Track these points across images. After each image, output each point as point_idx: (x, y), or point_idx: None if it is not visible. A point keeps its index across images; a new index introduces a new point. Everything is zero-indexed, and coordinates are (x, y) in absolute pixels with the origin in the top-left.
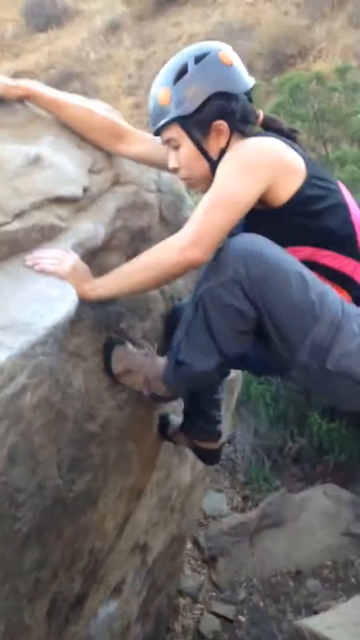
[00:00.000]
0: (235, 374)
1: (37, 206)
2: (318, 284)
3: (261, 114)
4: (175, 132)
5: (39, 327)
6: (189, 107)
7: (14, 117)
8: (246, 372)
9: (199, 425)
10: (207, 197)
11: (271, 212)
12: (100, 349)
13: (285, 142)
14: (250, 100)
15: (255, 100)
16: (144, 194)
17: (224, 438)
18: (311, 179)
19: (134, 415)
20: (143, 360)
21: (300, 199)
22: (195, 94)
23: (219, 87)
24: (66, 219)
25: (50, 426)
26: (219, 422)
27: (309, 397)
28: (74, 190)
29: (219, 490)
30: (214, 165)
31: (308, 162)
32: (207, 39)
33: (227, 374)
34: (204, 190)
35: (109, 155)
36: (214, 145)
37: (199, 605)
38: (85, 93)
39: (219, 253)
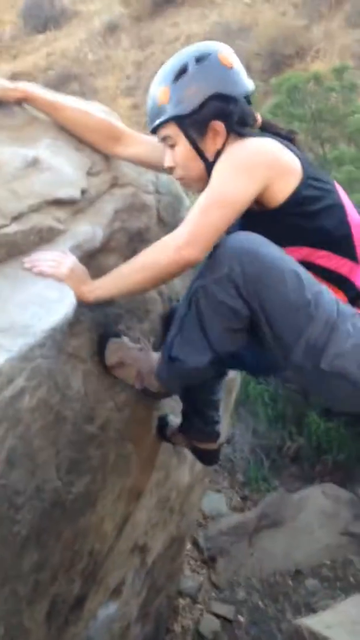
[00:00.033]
0: (233, 374)
1: (35, 209)
2: (314, 284)
3: (259, 117)
4: (172, 131)
5: (37, 329)
6: (187, 107)
7: (12, 119)
8: (244, 372)
9: (197, 425)
10: (203, 197)
11: (267, 213)
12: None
13: (283, 143)
14: (249, 103)
15: (253, 101)
16: (142, 196)
17: (222, 438)
18: (307, 180)
19: (133, 417)
20: (137, 355)
21: (296, 200)
22: (194, 94)
23: (218, 88)
24: (64, 221)
25: (49, 428)
26: (217, 422)
27: (307, 396)
28: (72, 192)
29: (218, 491)
30: (209, 165)
31: (304, 163)
32: (205, 39)
33: (225, 374)
34: (199, 191)
35: (107, 158)
36: (210, 146)
37: (199, 606)
38: (83, 94)
39: (215, 250)
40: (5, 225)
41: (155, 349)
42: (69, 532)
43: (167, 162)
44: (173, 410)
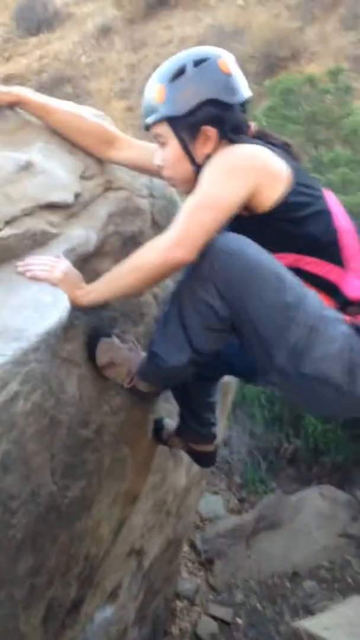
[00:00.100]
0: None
1: (29, 212)
2: (297, 287)
3: (253, 126)
4: (164, 131)
5: (31, 333)
6: (181, 109)
7: (5, 123)
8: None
9: (193, 428)
10: (191, 199)
11: (255, 219)
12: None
13: (273, 150)
14: (244, 111)
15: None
16: (136, 200)
17: (218, 440)
18: (295, 186)
19: (128, 420)
20: (127, 354)
21: (284, 206)
22: (189, 97)
23: (213, 94)
24: (58, 225)
25: (44, 433)
26: (213, 424)
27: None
28: (66, 196)
29: (215, 493)
30: (198, 169)
31: (293, 170)
32: (199, 42)
33: (219, 376)
34: (186, 192)
35: (101, 161)
36: (200, 150)
37: (196, 608)
38: (77, 97)
39: (204, 250)
40: None
41: None
42: (64, 536)
43: (157, 161)
44: (169, 413)
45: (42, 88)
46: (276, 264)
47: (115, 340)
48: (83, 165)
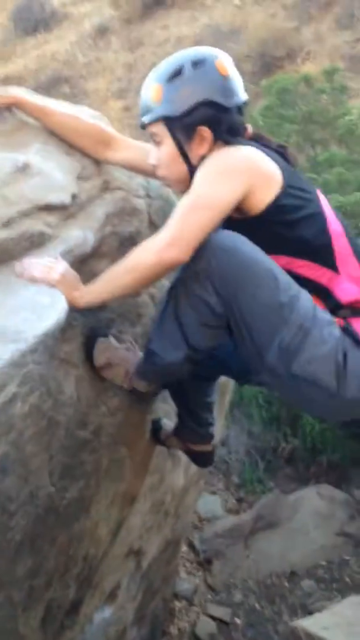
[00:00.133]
0: None
1: (26, 214)
2: (291, 287)
3: (249, 129)
4: (160, 130)
5: (29, 335)
6: (177, 109)
7: (2, 124)
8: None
9: (191, 427)
10: (185, 199)
11: (248, 221)
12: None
13: (268, 153)
14: (241, 113)
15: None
16: (133, 200)
17: (216, 440)
18: (288, 189)
19: (126, 421)
20: (125, 355)
21: (276, 208)
22: (185, 97)
23: (210, 95)
24: (55, 226)
25: (42, 434)
26: (211, 424)
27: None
28: (63, 197)
29: (213, 493)
30: (192, 169)
31: (286, 173)
32: (195, 41)
33: (217, 376)
34: (180, 192)
35: (98, 162)
36: (195, 151)
37: (195, 608)
38: (74, 97)
39: (200, 247)
40: None
41: None
42: (63, 538)
43: (151, 160)
44: (167, 413)
45: (39, 88)
46: (271, 262)
47: (113, 340)
48: (80, 166)
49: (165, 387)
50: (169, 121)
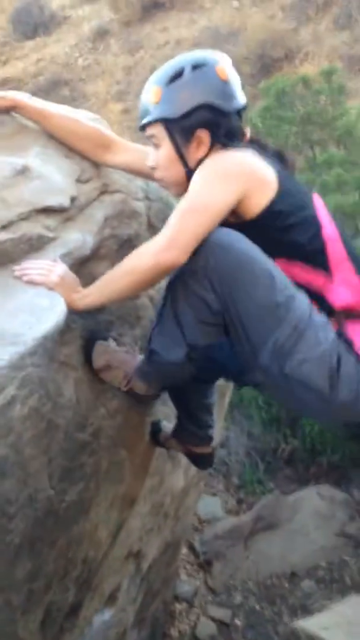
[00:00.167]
0: None
1: (25, 217)
2: (287, 287)
3: (248, 133)
4: (158, 132)
5: (28, 337)
6: (176, 111)
7: (1, 128)
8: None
9: (191, 429)
10: (182, 203)
11: (243, 225)
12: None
13: (265, 157)
14: (240, 118)
15: None
16: (132, 203)
17: (216, 442)
18: (283, 194)
19: (126, 423)
20: (124, 357)
21: (271, 213)
22: (184, 100)
23: (209, 99)
24: (54, 229)
25: (41, 437)
26: (210, 426)
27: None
28: (62, 200)
29: (214, 494)
30: (190, 172)
31: (282, 177)
32: (194, 44)
33: (215, 378)
34: (177, 194)
35: (97, 165)
36: (193, 154)
37: (195, 610)
38: (73, 99)
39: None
40: None
41: None
42: (62, 540)
43: (150, 161)
44: (166, 415)
45: (39, 91)
46: (268, 261)
47: (112, 343)
48: (79, 169)
49: (164, 390)
50: (168, 123)
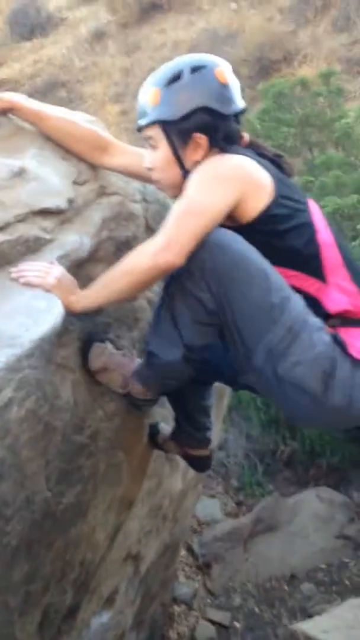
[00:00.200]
0: None
1: (22, 219)
2: (283, 288)
3: (246, 137)
4: (156, 133)
5: (25, 340)
6: (174, 114)
7: None
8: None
9: (189, 432)
10: (178, 204)
11: (239, 229)
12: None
13: (261, 162)
14: (238, 121)
15: None
16: (130, 205)
17: (214, 444)
18: (279, 198)
19: (124, 425)
20: (121, 360)
21: (266, 217)
22: (182, 102)
23: (207, 102)
24: (51, 231)
25: (38, 439)
26: (208, 429)
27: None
28: (59, 202)
29: (212, 496)
30: (186, 174)
31: (278, 182)
32: (192, 46)
33: (211, 381)
34: (173, 196)
35: (94, 167)
36: (190, 156)
37: (194, 613)
38: (71, 101)
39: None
40: None
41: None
42: (60, 543)
43: (146, 163)
44: (164, 418)
45: (36, 92)
46: (264, 262)
47: (109, 345)
48: (76, 171)
49: (162, 395)
50: (166, 125)
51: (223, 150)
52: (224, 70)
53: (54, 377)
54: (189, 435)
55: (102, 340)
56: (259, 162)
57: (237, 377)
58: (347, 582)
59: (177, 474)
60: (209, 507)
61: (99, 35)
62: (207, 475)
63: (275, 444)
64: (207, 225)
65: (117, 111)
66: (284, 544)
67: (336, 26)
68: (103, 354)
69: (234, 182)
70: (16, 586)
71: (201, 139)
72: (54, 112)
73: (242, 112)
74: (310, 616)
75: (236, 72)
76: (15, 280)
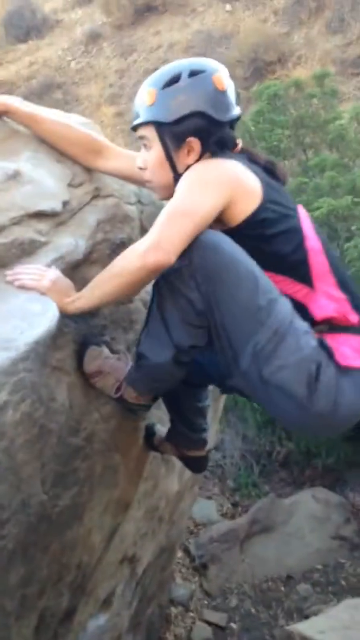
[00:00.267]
0: None
1: (17, 221)
2: (271, 290)
3: (240, 144)
4: (150, 134)
5: (20, 343)
6: (169, 116)
7: None
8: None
9: (184, 433)
10: (168, 206)
11: (227, 233)
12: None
13: (252, 167)
14: (232, 128)
15: None
16: (125, 207)
17: (210, 445)
18: (267, 203)
19: (119, 428)
20: (116, 364)
21: (254, 221)
22: (178, 105)
23: (203, 107)
24: (46, 233)
25: (34, 442)
26: (204, 430)
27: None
28: (54, 204)
29: (209, 497)
30: (178, 177)
31: (267, 188)
32: (187, 47)
33: (205, 383)
34: (163, 198)
35: (89, 169)
36: (182, 159)
37: (191, 614)
38: (66, 103)
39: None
40: None
41: None
42: (56, 546)
43: (139, 162)
44: (160, 419)
45: (31, 94)
46: (253, 265)
47: (105, 349)
48: (71, 173)
49: (155, 400)
50: (160, 126)
51: (215, 155)
52: (223, 76)
53: (49, 380)
54: (185, 437)
55: (98, 344)
56: (249, 168)
57: (225, 380)
58: (343, 583)
59: (173, 476)
60: (205, 508)
61: (94, 37)
62: (203, 476)
63: (271, 444)
64: (197, 226)
65: (113, 113)
66: (280, 545)
67: (330, 28)
68: (98, 357)
69: (223, 185)
70: (12, 590)
71: (195, 144)
72: (48, 115)
73: (237, 119)
74: (306, 617)
75: (231, 73)
76: (11, 283)
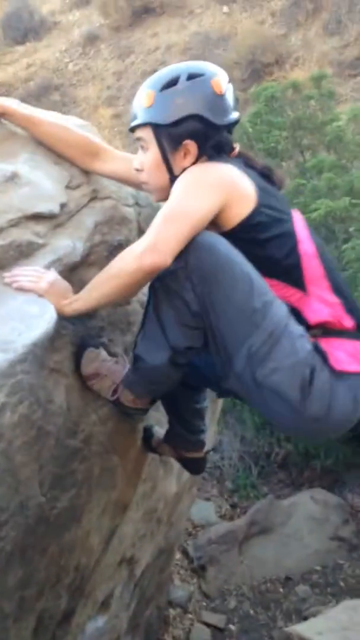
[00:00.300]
0: None
1: (14, 223)
2: (266, 293)
3: (237, 148)
4: (147, 135)
5: (17, 345)
6: (166, 118)
7: None
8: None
9: (183, 435)
10: (164, 208)
11: (222, 236)
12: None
13: (247, 172)
14: (230, 132)
15: None
16: (122, 209)
17: (208, 446)
18: (261, 207)
19: (117, 429)
20: (113, 367)
21: (248, 225)
22: (176, 108)
23: (201, 110)
24: (44, 235)
25: (32, 444)
26: (202, 431)
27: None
28: (51, 206)
29: (207, 499)
30: (174, 179)
31: (261, 192)
32: (185, 49)
33: (202, 385)
34: (159, 199)
35: (87, 171)
36: (179, 162)
37: (189, 616)
38: (64, 104)
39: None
40: None
41: None
42: (54, 548)
43: (135, 164)
44: (158, 421)
45: (29, 96)
46: (249, 266)
47: (102, 352)
48: (69, 175)
49: (152, 403)
50: (157, 128)
51: (211, 158)
52: (221, 80)
53: (47, 382)
54: (183, 438)
55: (96, 346)
56: (245, 172)
57: (221, 383)
58: (341, 584)
59: (171, 477)
60: (204, 509)
61: (92, 39)
62: (202, 478)
63: (270, 446)
64: (193, 228)
65: (110, 114)
66: (278, 546)
67: (327, 29)
68: (95, 359)
69: (219, 188)
70: (10, 592)
71: (191, 147)
72: (46, 117)
73: (235, 123)
74: (305, 618)
75: (228, 75)
76: (8, 285)
